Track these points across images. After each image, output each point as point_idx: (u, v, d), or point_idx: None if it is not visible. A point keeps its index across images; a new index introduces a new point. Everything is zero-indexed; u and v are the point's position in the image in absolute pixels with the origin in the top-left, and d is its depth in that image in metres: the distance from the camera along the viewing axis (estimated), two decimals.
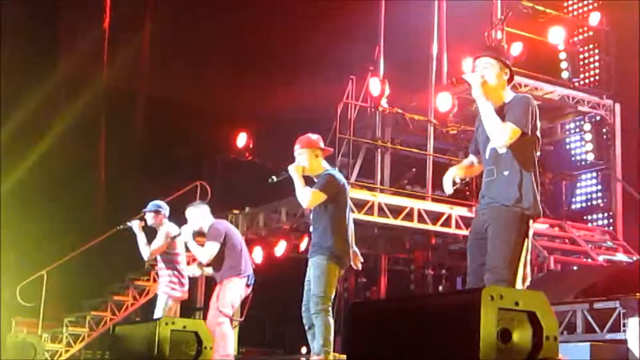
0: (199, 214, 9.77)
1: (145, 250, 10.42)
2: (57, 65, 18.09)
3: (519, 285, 5.71)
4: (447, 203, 14.79)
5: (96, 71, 18.97)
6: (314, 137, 8.05)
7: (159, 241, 10.43)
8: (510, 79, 6.08)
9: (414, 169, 16.22)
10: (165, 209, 10.68)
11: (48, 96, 17.76)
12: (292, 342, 16.71)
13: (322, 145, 8.03)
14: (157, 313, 10.35)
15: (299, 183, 7.70)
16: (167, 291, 10.39)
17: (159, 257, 10.49)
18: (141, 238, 10.46)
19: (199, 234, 9.89)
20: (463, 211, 14.76)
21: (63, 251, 15.84)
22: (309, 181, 7.77)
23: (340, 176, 7.92)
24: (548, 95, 15.76)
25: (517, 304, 3.95)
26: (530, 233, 5.88)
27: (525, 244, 5.79)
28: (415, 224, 14.40)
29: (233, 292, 9.41)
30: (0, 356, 10.91)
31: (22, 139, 17.39)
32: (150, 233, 10.58)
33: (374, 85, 15.60)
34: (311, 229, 7.89)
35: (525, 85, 15.35)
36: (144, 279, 15.74)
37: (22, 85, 17.66)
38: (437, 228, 14.67)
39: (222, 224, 9.82)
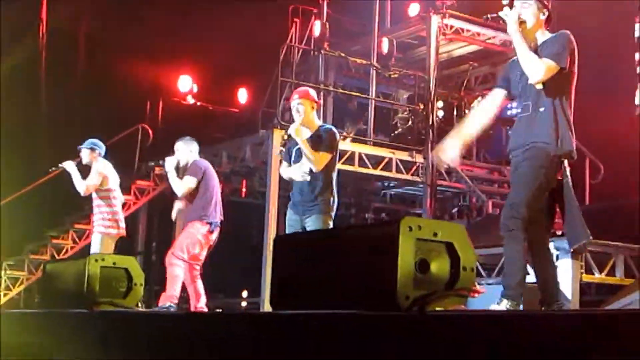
0: (187, 150, 9.65)
1: (80, 185, 10.46)
2: None
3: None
4: (388, 148, 14.85)
5: (36, 13, 18.69)
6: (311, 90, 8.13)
7: (92, 177, 10.48)
8: (548, 19, 6.07)
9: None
10: (101, 148, 10.72)
11: None
12: (233, 286, 16.77)
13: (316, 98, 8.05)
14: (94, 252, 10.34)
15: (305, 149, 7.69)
16: (101, 230, 10.44)
17: (94, 195, 10.51)
18: (76, 175, 10.51)
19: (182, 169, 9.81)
20: (404, 155, 14.81)
21: (1, 195, 15.69)
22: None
23: None
24: (490, 40, 15.79)
25: (435, 234, 3.95)
26: (568, 172, 5.88)
27: (565, 184, 5.83)
28: (356, 168, 14.40)
29: (192, 237, 9.36)
30: None
31: None
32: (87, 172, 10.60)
33: (317, 28, 15.52)
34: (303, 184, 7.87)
35: (467, 31, 15.38)
36: (83, 222, 15.63)
37: None
38: (378, 172, 14.70)
39: (203, 162, 9.72)
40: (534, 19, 6.01)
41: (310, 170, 7.75)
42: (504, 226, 5.80)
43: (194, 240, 9.40)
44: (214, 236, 9.53)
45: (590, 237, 5.94)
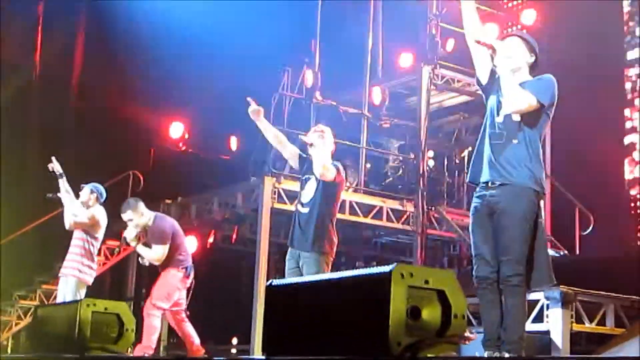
0: (138, 214, 9.58)
1: (69, 218, 10.29)
2: None
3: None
4: (379, 196, 14.89)
5: (28, 56, 18.81)
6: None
7: (83, 216, 10.31)
8: (534, 65, 6.13)
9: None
10: (102, 195, 10.56)
11: None
12: (222, 333, 16.70)
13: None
14: (68, 298, 10.14)
15: None
16: (76, 274, 10.18)
17: (78, 236, 10.34)
18: (69, 207, 10.32)
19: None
20: (395, 204, 14.84)
21: None
22: None
23: None
24: (480, 91, 15.86)
25: (427, 282, 4.01)
26: (542, 213, 5.91)
27: (539, 225, 5.85)
28: (347, 216, 14.39)
29: (168, 284, 9.40)
30: None
31: None
32: None
33: (309, 77, 15.62)
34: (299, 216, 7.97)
35: (459, 81, 15.46)
36: None
37: None
38: (369, 220, 14.72)
39: (165, 221, 9.72)
40: (521, 58, 6.07)
41: (311, 201, 7.86)
42: (508, 282, 5.71)
43: (171, 287, 9.42)
44: (190, 280, 9.56)
45: (555, 282, 5.93)
